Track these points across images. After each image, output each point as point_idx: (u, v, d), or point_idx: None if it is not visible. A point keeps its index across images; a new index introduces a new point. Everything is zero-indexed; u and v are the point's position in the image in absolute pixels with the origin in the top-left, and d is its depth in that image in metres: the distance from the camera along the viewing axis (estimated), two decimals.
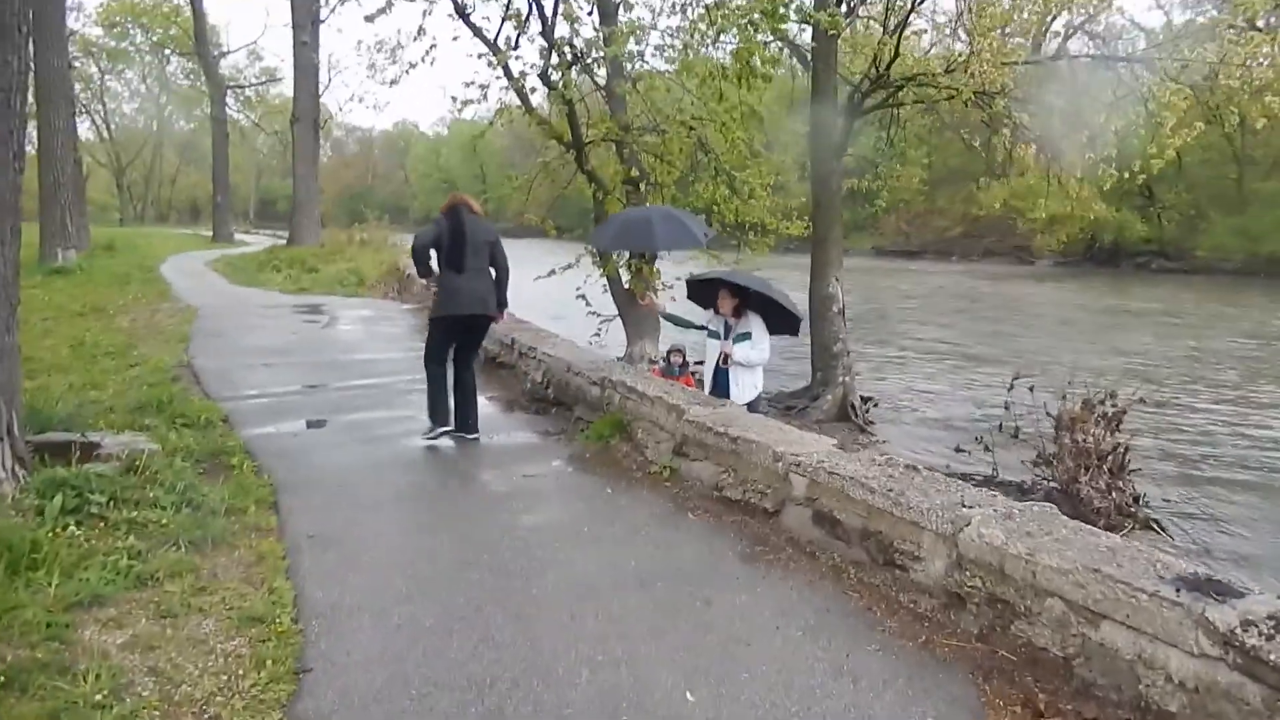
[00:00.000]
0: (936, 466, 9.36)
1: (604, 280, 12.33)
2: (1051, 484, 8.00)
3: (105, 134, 62.53)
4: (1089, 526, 3.36)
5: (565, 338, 8.76)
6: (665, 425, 5.58)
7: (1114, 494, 7.55)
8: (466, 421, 6.43)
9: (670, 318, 7.69)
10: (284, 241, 28.55)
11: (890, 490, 3.84)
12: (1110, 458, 7.87)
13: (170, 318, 12.79)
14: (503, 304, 6.63)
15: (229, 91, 45.23)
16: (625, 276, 12.49)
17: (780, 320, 6.86)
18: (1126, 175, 10.65)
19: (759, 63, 8.52)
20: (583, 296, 12.07)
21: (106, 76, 56.89)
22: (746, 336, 6.63)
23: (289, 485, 5.02)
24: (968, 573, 3.40)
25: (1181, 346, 19.52)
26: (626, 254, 12.64)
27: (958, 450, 8.85)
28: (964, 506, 3.62)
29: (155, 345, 10.12)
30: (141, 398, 6.92)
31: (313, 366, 8.99)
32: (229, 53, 50.67)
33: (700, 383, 7.43)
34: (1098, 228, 42.44)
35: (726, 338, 6.71)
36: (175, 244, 33.70)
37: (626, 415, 6.07)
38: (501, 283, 6.54)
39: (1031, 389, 8.39)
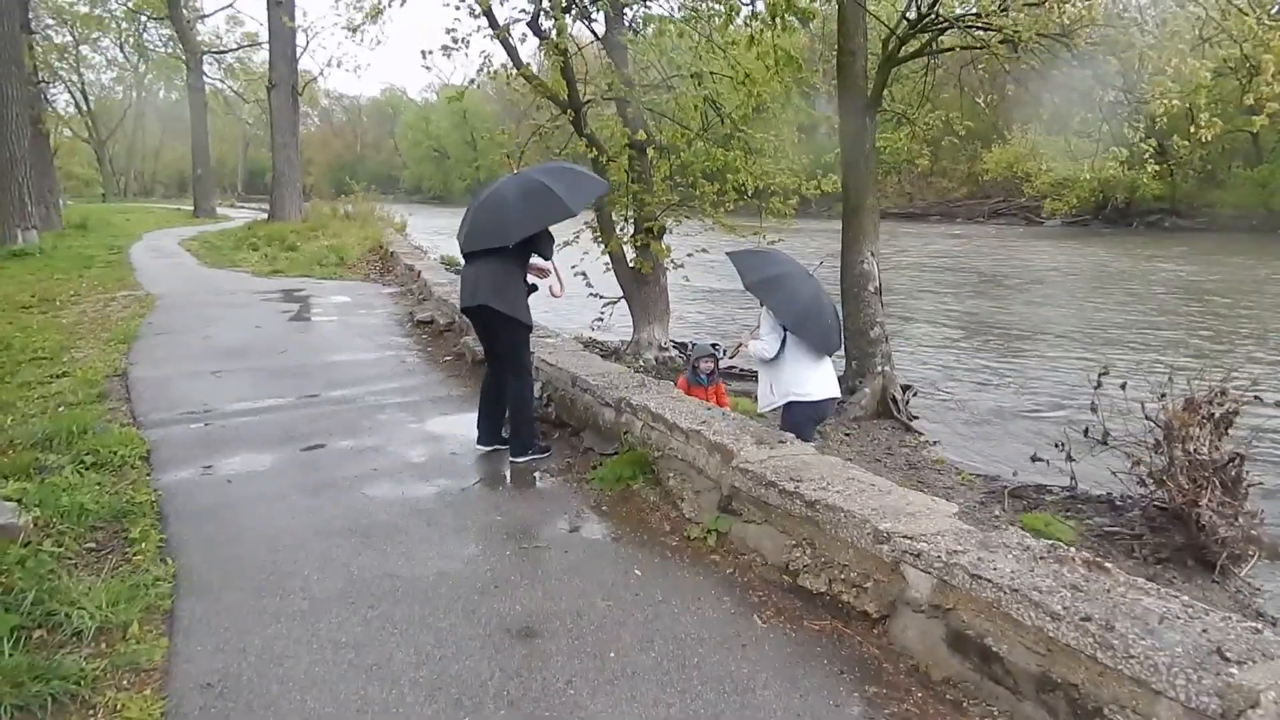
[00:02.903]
0: (1002, 476, 8.08)
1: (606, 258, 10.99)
2: (1155, 504, 6.67)
3: (83, 105, 60.33)
4: None
5: (568, 339, 7.39)
6: (707, 470, 4.21)
7: (1240, 518, 6.21)
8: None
9: None
10: (265, 216, 27.09)
11: (1086, 618, 2.48)
12: (1223, 471, 6.53)
13: (124, 309, 11.42)
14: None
15: (208, 58, 43.36)
16: (630, 254, 11.13)
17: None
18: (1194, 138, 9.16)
19: None
20: (582, 274, 10.68)
21: (81, 45, 54.73)
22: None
23: (199, 575, 3.65)
24: None
25: (1236, 314, 18.15)
26: (631, 229, 11.27)
27: (1034, 460, 7.49)
28: (1222, 657, 2.27)
29: (95, 346, 8.76)
30: (51, 426, 5.57)
31: (270, 374, 7.60)
32: (205, 16, 48.82)
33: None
34: (1110, 187, 40.87)
35: None
36: (155, 220, 32.30)
37: (652, 451, 4.70)
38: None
39: (1124, 386, 7.01)
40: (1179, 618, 2.49)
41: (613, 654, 3.03)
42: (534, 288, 5.35)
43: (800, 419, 5.59)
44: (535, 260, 5.37)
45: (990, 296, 20.99)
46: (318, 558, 3.82)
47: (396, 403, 6.66)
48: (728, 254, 6.21)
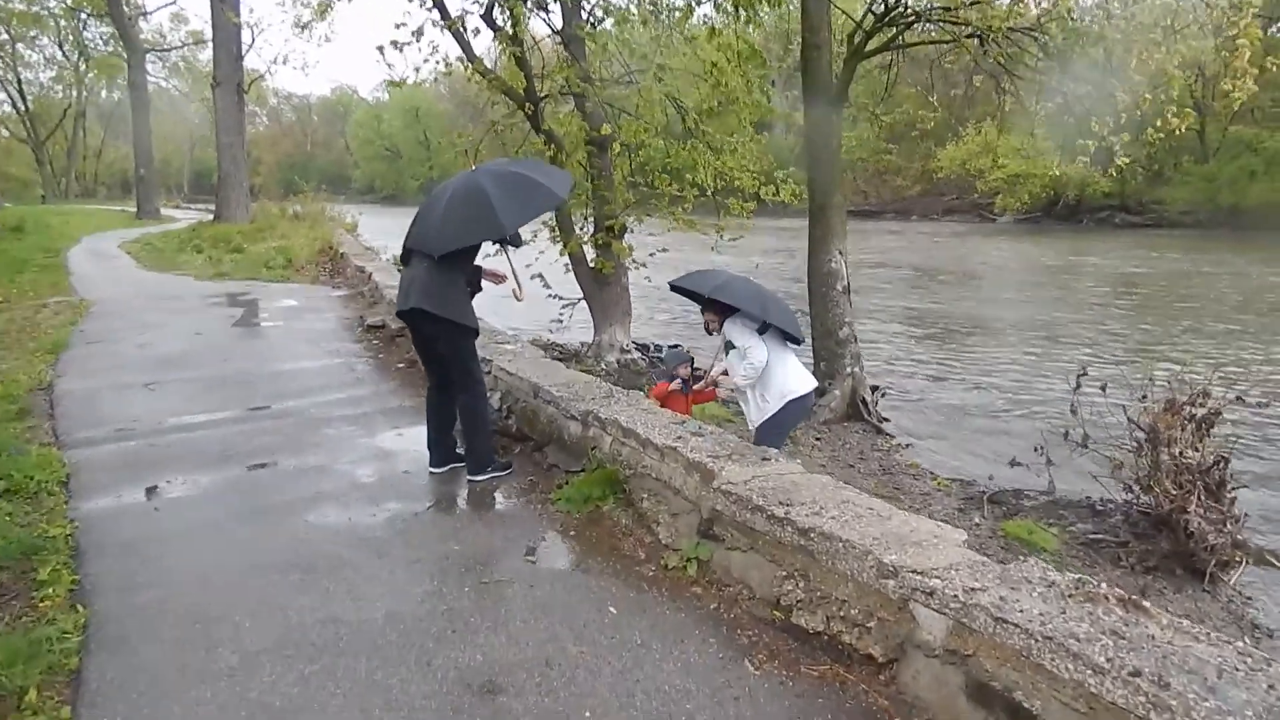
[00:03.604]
0: (978, 480, 7.84)
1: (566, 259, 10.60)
2: (1139, 509, 6.44)
3: (21, 105, 58.33)
4: None
5: (527, 344, 6.98)
6: (684, 491, 3.85)
7: (1228, 524, 6.00)
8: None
9: None
10: (211, 218, 26.24)
11: (1135, 673, 2.16)
12: (1208, 475, 6.32)
13: (55, 316, 10.78)
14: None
15: (151, 56, 42.18)
16: (590, 254, 10.74)
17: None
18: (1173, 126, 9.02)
19: None
20: (539, 276, 10.28)
21: (18, 43, 52.98)
22: (732, 346, 5.49)
23: (114, 625, 3.20)
24: None
25: (1175, 307, 18.26)
26: (591, 228, 10.89)
27: (1013, 464, 7.25)
28: None
29: (20, 357, 8.18)
30: None
31: (209, 385, 7.09)
32: (147, 14, 47.47)
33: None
34: (1060, 184, 41.32)
35: (727, 355, 5.59)
36: (96, 222, 31.13)
37: (623, 469, 4.33)
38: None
39: (1104, 388, 6.78)
40: (1238, 670, 2.19)
41: (588, 713, 2.66)
42: (478, 289, 4.96)
43: (795, 416, 5.64)
44: (491, 265, 5.00)
45: (943, 294, 20.97)
46: (252, 600, 3.39)
47: (345, 415, 6.21)
48: (670, 285, 5.95)
